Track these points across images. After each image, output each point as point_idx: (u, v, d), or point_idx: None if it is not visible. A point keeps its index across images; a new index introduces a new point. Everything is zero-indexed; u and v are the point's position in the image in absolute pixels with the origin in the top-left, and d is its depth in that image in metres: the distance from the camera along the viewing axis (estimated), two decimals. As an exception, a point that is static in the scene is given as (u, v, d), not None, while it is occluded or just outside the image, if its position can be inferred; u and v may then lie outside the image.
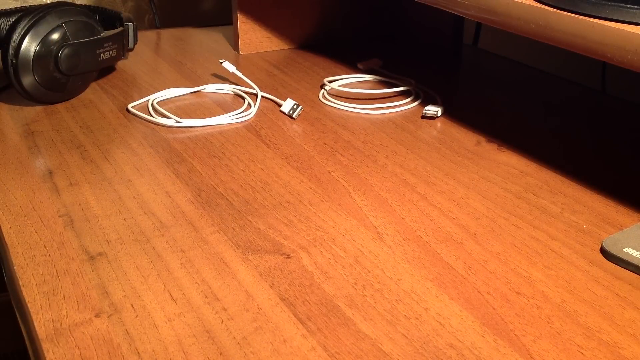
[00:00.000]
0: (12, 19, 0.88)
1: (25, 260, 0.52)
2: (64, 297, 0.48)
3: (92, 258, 0.53)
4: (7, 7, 0.93)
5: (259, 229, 0.57)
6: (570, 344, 0.44)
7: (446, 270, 0.52)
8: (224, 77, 0.92)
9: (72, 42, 0.80)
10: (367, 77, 0.93)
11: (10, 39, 0.78)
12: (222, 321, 0.46)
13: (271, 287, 0.49)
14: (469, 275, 0.51)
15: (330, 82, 0.90)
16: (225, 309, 0.47)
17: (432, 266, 0.52)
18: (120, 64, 0.96)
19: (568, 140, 0.75)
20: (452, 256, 0.53)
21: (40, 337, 0.45)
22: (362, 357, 0.43)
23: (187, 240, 0.55)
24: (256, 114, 0.81)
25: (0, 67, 0.80)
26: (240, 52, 1.04)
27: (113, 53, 0.87)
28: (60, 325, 0.45)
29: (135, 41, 0.93)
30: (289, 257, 0.53)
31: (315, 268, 0.52)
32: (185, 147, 0.72)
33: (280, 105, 0.82)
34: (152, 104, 0.82)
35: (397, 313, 0.47)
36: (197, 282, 0.50)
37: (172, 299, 0.48)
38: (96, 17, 0.89)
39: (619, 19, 0.51)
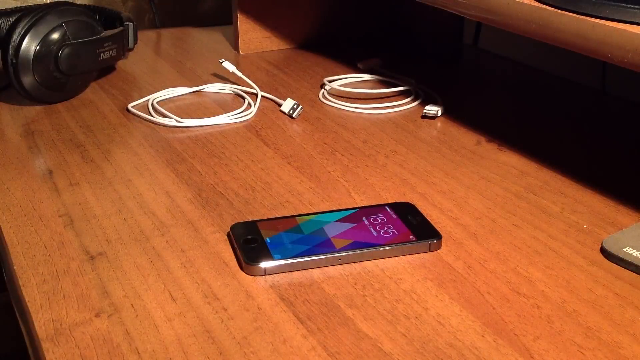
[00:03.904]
0: (12, 19, 0.88)
1: (25, 260, 0.52)
2: (64, 297, 0.48)
3: (92, 258, 0.53)
4: (7, 7, 0.93)
5: (259, 228, 0.57)
6: (570, 343, 0.44)
7: (446, 270, 0.52)
8: (224, 77, 0.92)
9: (72, 42, 0.80)
10: (367, 77, 0.93)
11: (10, 39, 0.78)
12: (222, 321, 0.46)
13: (271, 286, 0.49)
14: (469, 275, 0.51)
15: (330, 81, 0.90)
16: (225, 309, 0.47)
17: (432, 266, 0.52)
18: (120, 64, 0.96)
19: (568, 140, 0.75)
20: (452, 256, 0.53)
21: (40, 337, 0.45)
22: (362, 356, 0.43)
23: (187, 240, 0.55)
24: (256, 113, 0.81)
25: (0, 67, 0.80)
26: (240, 52, 1.04)
27: (113, 53, 0.87)
28: (60, 325, 0.45)
29: (135, 41, 0.93)
30: (289, 257, 0.53)
31: (315, 268, 0.52)
32: (186, 147, 0.72)
33: (280, 105, 0.82)
34: (152, 104, 0.82)
35: (397, 313, 0.47)
36: (197, 282, 0.50)
37: (172, 298, 0.48)
38: (96, 16, 0.89)
39: (619, 18, 0.51)
